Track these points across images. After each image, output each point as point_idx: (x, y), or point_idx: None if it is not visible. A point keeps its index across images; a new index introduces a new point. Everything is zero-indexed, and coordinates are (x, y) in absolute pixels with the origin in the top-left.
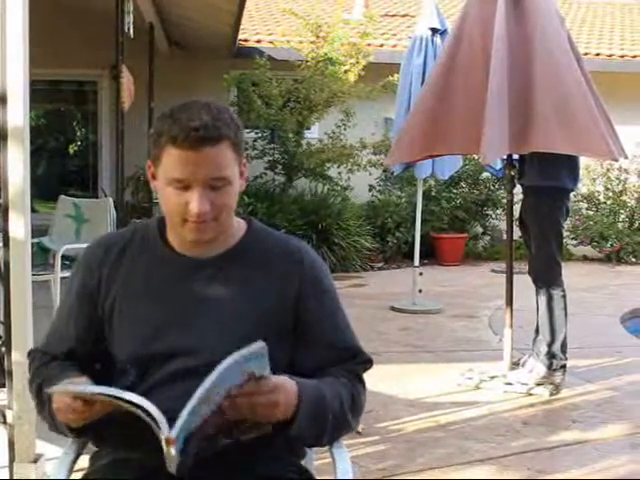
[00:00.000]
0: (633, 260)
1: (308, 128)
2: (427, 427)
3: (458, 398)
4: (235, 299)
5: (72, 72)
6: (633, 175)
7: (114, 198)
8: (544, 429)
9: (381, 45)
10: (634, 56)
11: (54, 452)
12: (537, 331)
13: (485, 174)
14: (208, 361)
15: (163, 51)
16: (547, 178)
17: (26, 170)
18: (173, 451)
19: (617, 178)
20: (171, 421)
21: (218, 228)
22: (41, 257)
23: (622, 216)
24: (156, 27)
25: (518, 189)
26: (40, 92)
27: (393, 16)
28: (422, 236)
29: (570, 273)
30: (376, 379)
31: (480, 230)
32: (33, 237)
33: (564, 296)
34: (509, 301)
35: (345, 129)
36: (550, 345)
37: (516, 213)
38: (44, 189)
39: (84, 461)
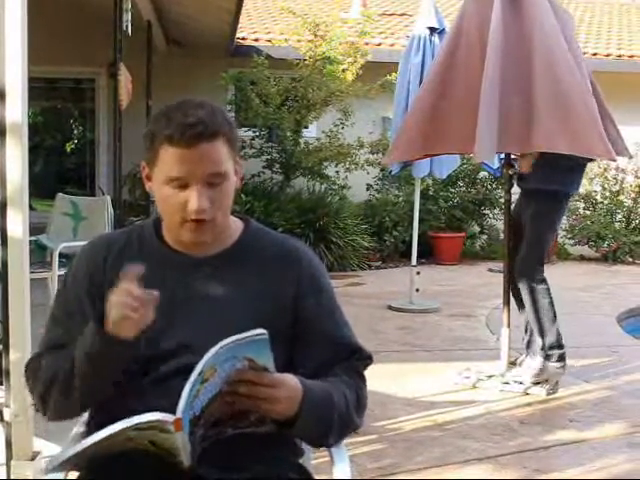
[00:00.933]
0: (630, 260)
1: (306, 127)
2: (424, 426)
3: (455, 397)
4: (232, 298)
5: (70, 70)
6: (630, 175)
7: (112, 196)
8: (541, 428)
9: (379, 44)
10: (631, 56)
11: (52, 450)
12: (526, 330)
13: (483, 173)
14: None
15: (161, 49)
16: (551, 182)
17: (24, 167)
18: (181, 437)
19: (614, 178)
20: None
21: (216, 229)
22: (39, 255)
23: (619, 216)
24: (154, 25)
25: (516, 189)
26: (38, 90)
27: (391, 15)
28: (420, 235)
29: (567, 272)
30: (373, 378)
31: (477, 229)
32: (31, 235)
33: (548, 289)
34: (506, 300)
35: (343, 128)
36: (543, 337)
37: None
38: (42, 187)
39: None
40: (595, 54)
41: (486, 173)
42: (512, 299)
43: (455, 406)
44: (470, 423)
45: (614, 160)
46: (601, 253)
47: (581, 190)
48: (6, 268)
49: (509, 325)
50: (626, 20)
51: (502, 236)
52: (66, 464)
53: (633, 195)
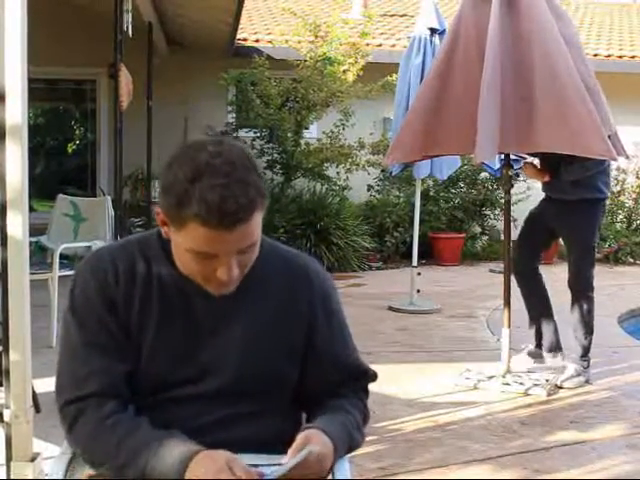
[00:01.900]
0: (631, 260)
1: (307, 128)
2: (425, 427)
3: (456, 398)
4: (247, 321)
5: (71, 71)
6: (631, 175)
7: (112, 197)
8: (542, 429)
9: (380, 45)
10: (632, 57)
11: (52, 451)
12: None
13: (484, 174)
14: (223, 383)
15: (162, 50)
16: (593, 190)
17: (24, 168)
18: None
19: (615, 178)
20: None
21: (241, 278)
22: (39, 256)
23: (620, 216)
24: (155, 26)
25: (516, 189)
26: (39, 91)
27: (392, 16)
28: (420, 236)
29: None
30: None
31: (478, 230)
32: (31, 236)
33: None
34: (507, 301)
35: (344, 129)
36: (586, 348)
37: (514, 214)
38: (42, 188)
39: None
40: (596, 55)
41: (487, 174)
42: (510, 299)
43: (456, 407)
44: (471, 424)
45: (615, 159)
46: (602, 254)
47: None
48: (6, 269)
49: (510, 325)
50: (627, 21)
51: (502, 237)
52: None
53: (634, 196)
